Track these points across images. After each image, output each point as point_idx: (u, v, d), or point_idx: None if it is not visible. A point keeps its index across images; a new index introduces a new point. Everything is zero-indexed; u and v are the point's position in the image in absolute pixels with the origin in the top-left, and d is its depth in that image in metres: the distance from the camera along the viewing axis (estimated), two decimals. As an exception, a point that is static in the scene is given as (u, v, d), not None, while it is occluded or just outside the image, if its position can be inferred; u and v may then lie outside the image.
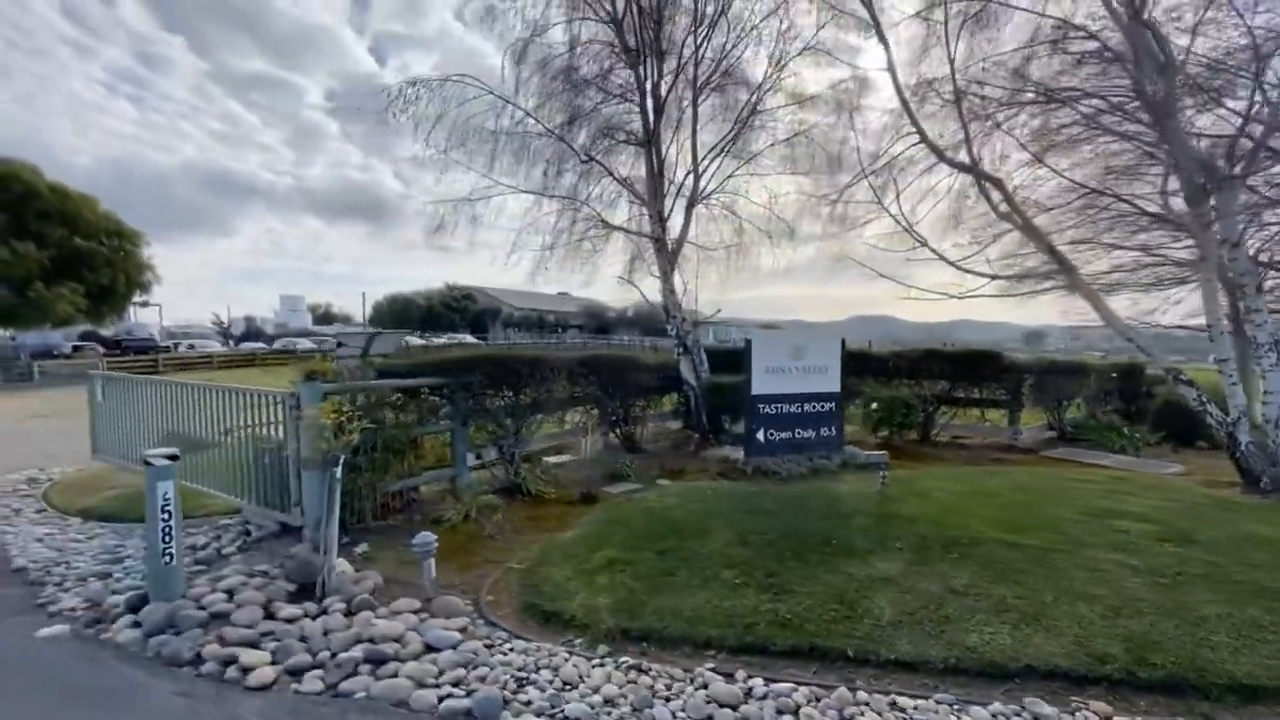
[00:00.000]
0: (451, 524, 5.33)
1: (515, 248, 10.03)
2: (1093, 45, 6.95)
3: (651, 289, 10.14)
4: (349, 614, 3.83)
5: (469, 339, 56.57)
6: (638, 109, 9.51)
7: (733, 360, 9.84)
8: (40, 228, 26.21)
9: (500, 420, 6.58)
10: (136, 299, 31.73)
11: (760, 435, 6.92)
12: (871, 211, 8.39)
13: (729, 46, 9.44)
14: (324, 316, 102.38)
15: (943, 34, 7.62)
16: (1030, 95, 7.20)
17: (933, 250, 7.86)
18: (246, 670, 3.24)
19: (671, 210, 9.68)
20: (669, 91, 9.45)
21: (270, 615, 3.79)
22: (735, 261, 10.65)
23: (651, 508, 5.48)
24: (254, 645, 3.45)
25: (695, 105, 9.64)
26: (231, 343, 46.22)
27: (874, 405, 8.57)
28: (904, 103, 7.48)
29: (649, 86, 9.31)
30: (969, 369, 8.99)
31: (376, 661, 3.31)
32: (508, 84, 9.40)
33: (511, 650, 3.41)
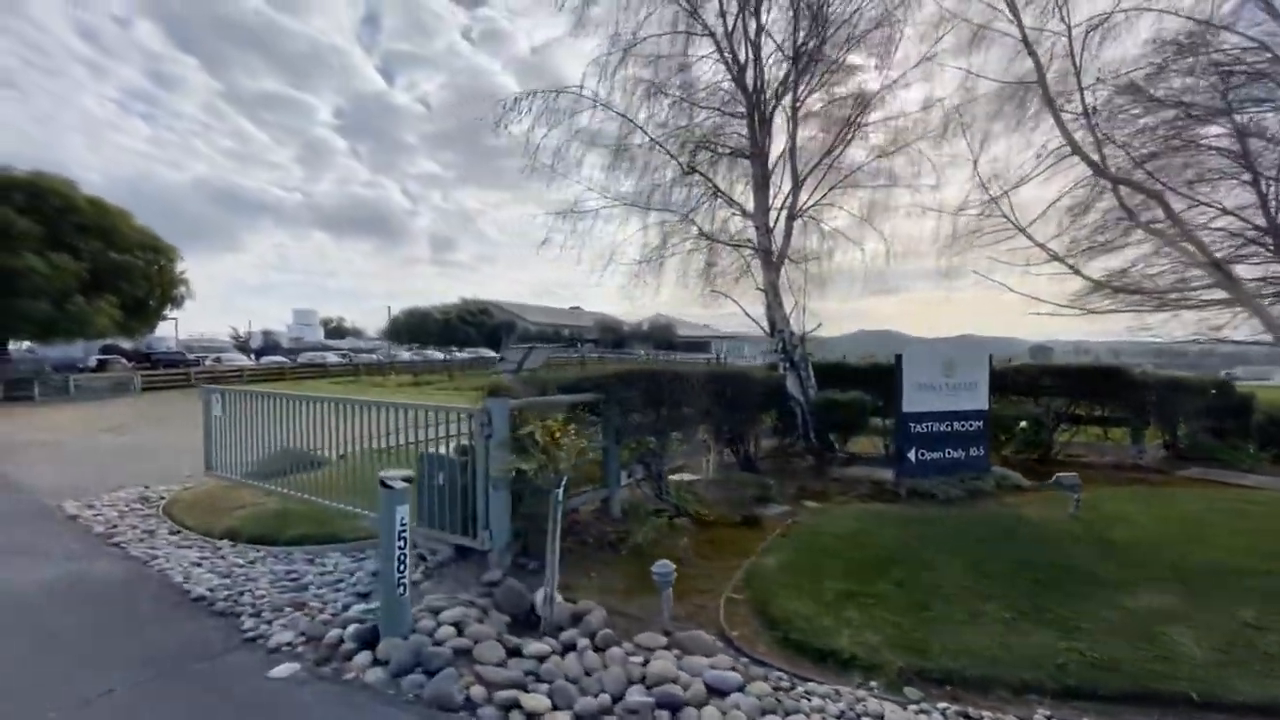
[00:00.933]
0: (632, 547, 5.05)
1: (610, 260, 9.82)
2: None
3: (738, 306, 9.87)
4: (597, 650, 3.54)
5: (488, 353, 56.47)
6: (742, 120, 9.37)
7: (836, 375, 9.59)
8: (77, 241, 26.25)
9: (646, 437, 6.32)
10: (168, 313, 31.70)
11: (911, 455, 6.64)
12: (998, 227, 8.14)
13: (834, 56, 9.30)
14: (336, 330, 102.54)
15: (1066, 43, 7.47)
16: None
17: (1069, 266, 7.61)
18: (533, 716, 2.96)
19: (776, 221, 9.49)
20: (774, 103, 9.31)
21: (514, 652, 3.49)
22: (828, 273, 10.41)
23: (838, 533, 5.19)
24: (520, 687, 3.16)
25: (795, 118, 9.50)
26: (252, 356, 46.12)
27: (1022, 424, 8.30)
28: (1054, 112, 7.28)
29: (755, 99, 9.17)
30: (1092, 385, 8.72)
31: (672, 707, 3.01)
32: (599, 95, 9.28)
33: (810, 695, 3.11)
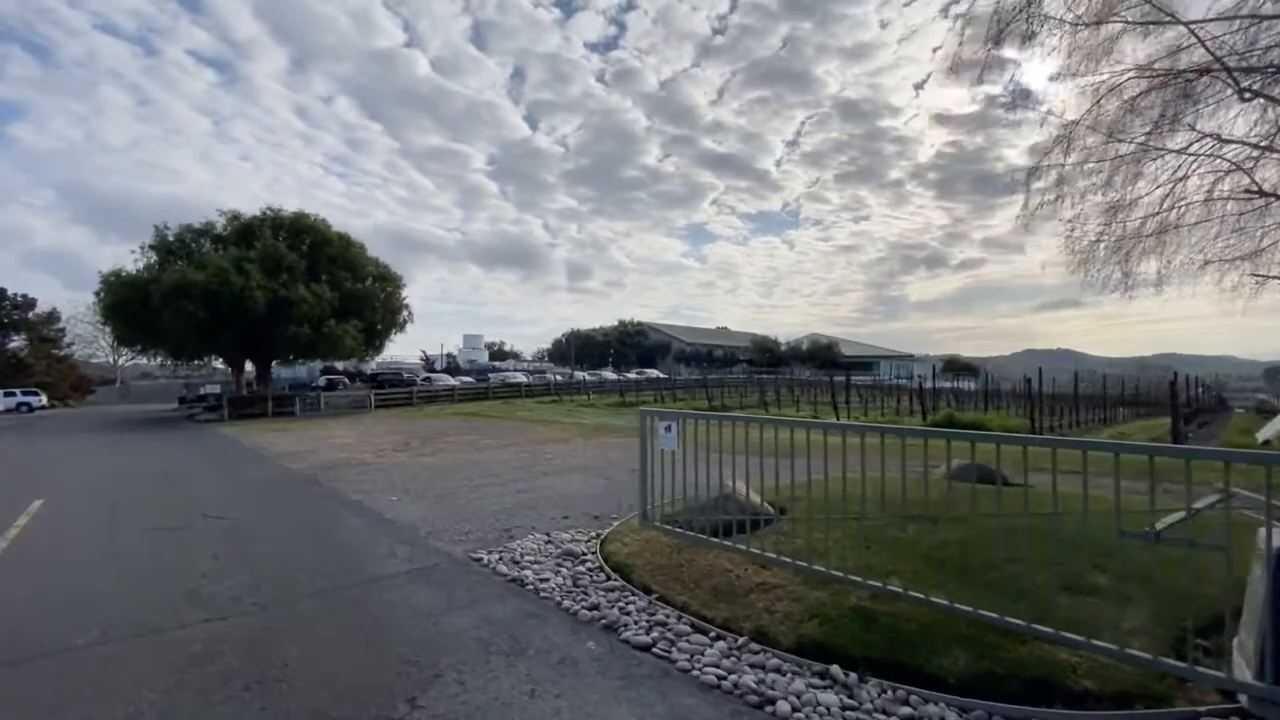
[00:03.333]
0: None
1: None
2: None
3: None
4: None
5: (653, 373, 55.54)
6: None
7: None
8: (330, 271, 28.91)
9: None
10: (394, 336, 34.10)
11: None
12: None
13: None
14: (498, 353, 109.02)
15: None
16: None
17: None
18: None
19: None
20: None
21: None
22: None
23: None
24: None
25: None
26: (449, 377, 48.88)
27: None
28: None
29: None
30: None
31: None
32: None
33: None
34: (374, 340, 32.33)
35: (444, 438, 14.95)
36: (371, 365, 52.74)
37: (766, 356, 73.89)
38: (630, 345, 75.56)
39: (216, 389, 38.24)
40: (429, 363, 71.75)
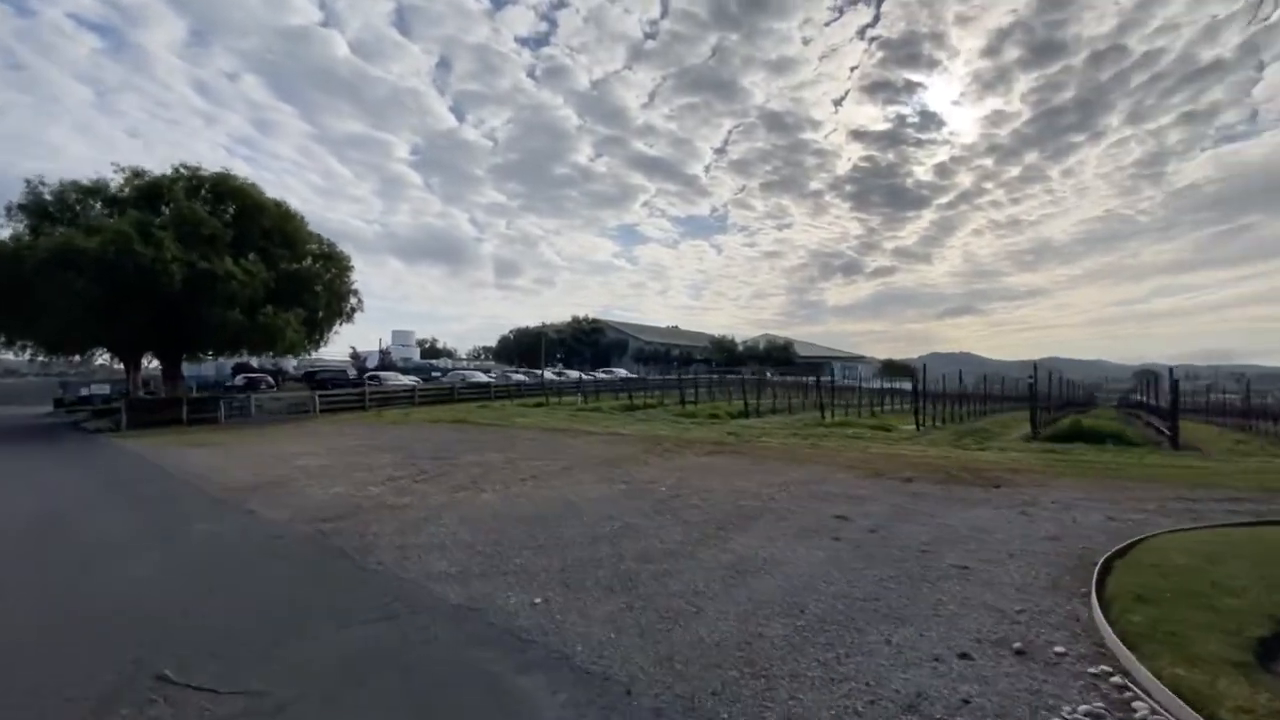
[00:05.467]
0: None
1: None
2: None
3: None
4: None
5: (621, 372, 52.28)
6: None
7: None
8: (264, 247, 23.63)
9: None
10: (339, 327, 28.90)
11: None
12: None
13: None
14: (431, 351, 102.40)
15: None
16: None
17: None
18: None
19: None
20: None
21: None
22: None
23: None
24: None
25: None
26: (402, 376, 43.49)
27: None
28: None
29: None
30: None
31: None
32: None
33: None
34: (316, 331, 27.12)
35: (460, 457, 11.15)
36: (294, 362, 46.34)
37: (725, 356, 72.29)
38: (586, 343, 71.60)
39: (106, 389, 31.42)
40: (360, 360, 65.06)
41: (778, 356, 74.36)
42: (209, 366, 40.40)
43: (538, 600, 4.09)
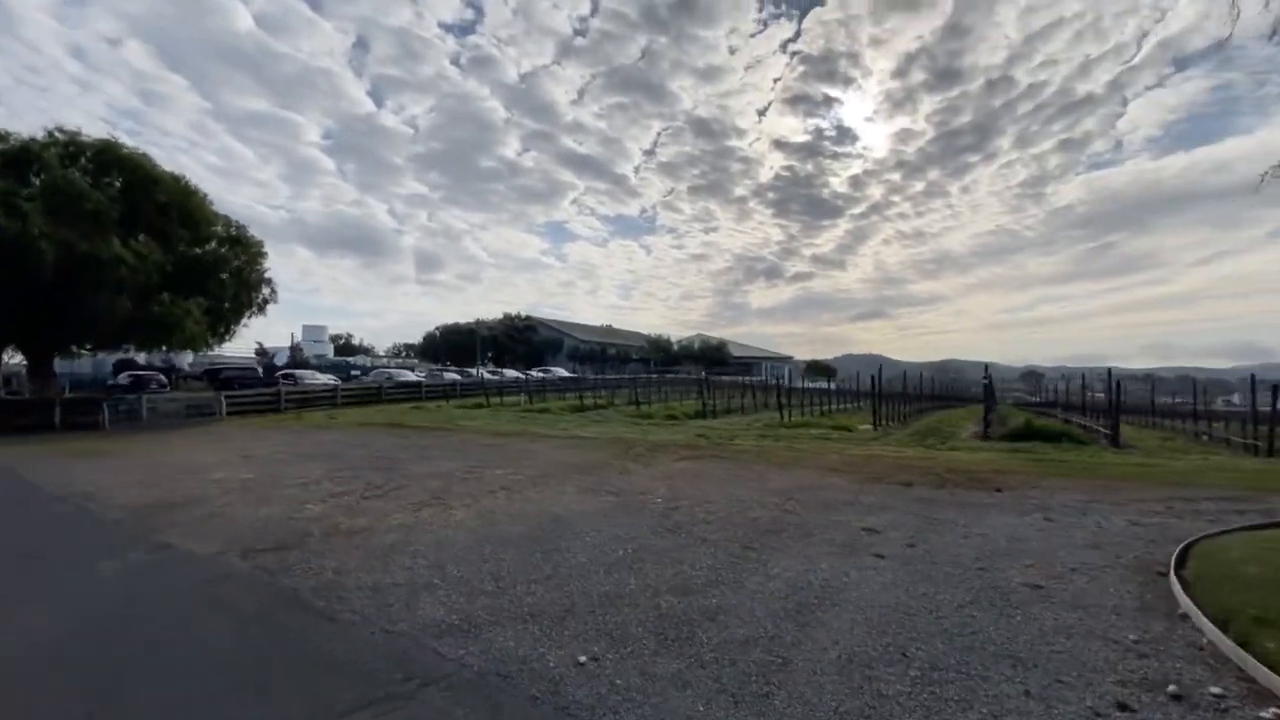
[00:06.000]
0: None
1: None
2: None
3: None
4: None
5: (559, 371, 50.97)
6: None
7: None
8: (159, 226, 20.69)
9: None
10: (248, 320, 26.00)
11: None
12: None
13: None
14: (346, 347, 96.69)
15: None
16: None
17: None
18: None
19: None
20: None
21: None
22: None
23: None
24: None
25: None
26: (320, 374, 40.22)
27: None
28: None
29: None
30: None
31: None
32: None
33: None
34: (221, 324, 24.23)
35: (409, 466, 9.91)
36: (190, 359, 41.73)
37: (662, 355, 72.39)
38: (519, 341, 69.33)
39: (-49, 389, 26.71)
40: (268, 357, 59.94)
41: (712, 356, 75.32)
42: (86, 363, 35.43)
43: (582, 659, 3.25)
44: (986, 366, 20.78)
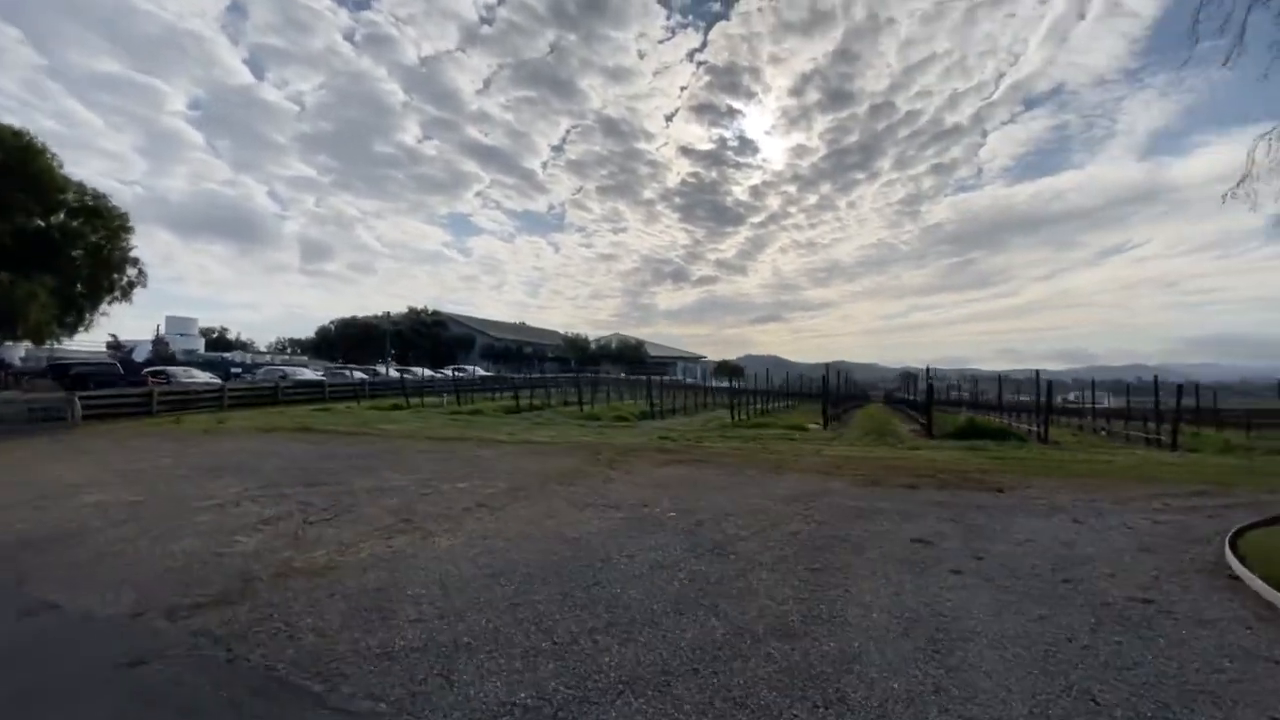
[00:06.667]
0: None
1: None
2: None
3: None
4: None
5: (475, 369, 48.47)
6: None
7: None
8: (-9, 189, 16.83)
9: None
10: (107, 305, 22.05)
11: None
12: None
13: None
14: (219, 342, 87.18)
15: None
16: None
17: None
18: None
19: None
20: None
21: None
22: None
23: None
24: None
25: None
26: (199, 372, 35.31)
27: None
28: None
29: None
30: None
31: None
32: None
33: None
34: (73, 310, 20.35)
35: (347, 480, 8.45)
36: (20, 353, 35.20)
37: (579, 354, 71.20)
38: (426, 337, 65.19)
39: None
40: (124, 351, 52.32)
41: (630, 356, 75.22)
42: None
43: (736, 749, 2.46)
44: (1054, 369, 21.79)
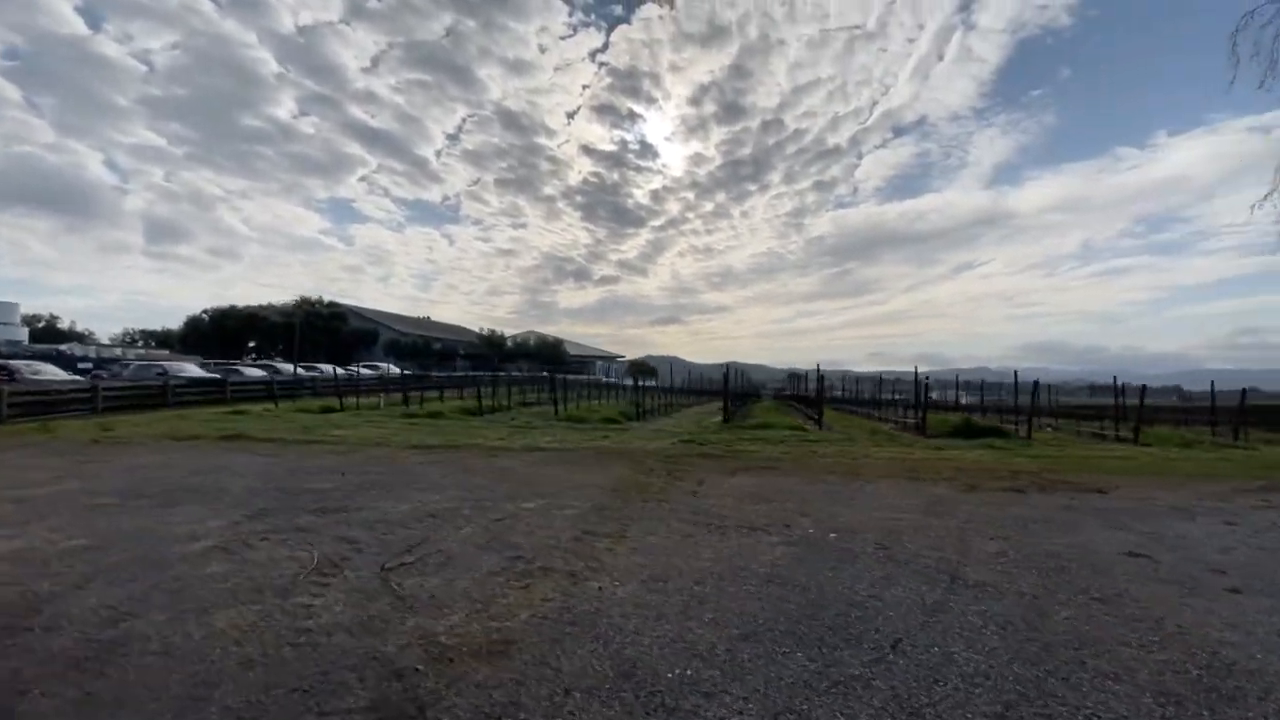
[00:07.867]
0: None
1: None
2: None
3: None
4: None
5: (389, 367, 44.46)
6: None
7: None
8: None
9: None
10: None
11: None
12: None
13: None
14: (49, 332, 75.22)
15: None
16: None
17: None
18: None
19: None
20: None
21: None
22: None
23: None
24: None
25: None
26: (57, 368, 29.04)
27: None
28: None
29: None
30: None
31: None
32: None
33: None
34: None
35: (377, 503, 6.70)
36: None
37: (496, 351, 67.89)
38: (321, 330, 58.82)
39: None
40: (-80, 342, 43.11)
41: (549, 354, 72.98)
42: None
43: None
44: (918, 369, 22.52)
